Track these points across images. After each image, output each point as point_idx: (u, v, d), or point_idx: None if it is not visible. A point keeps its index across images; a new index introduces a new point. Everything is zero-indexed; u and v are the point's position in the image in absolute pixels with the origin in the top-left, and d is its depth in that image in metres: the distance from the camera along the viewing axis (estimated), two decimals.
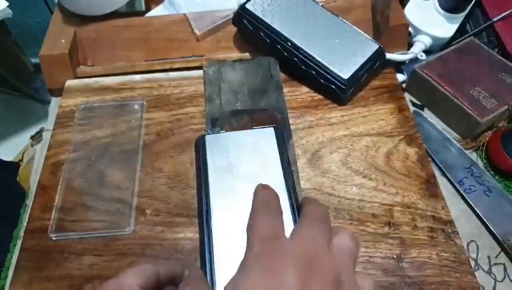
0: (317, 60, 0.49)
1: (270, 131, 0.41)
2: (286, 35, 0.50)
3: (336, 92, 0.49)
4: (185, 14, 0.55)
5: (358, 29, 0.53)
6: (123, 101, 0.50)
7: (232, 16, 0.54)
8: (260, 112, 0.48)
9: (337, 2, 0.55)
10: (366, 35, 0.53)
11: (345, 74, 0.48)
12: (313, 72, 0.49)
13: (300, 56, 0.49)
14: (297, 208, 0.37)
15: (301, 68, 0.50)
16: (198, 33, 0.54)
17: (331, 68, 0.48)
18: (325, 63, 0.49)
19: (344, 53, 0.50)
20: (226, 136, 0.42)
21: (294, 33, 0.50)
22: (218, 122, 0.47)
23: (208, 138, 0.41)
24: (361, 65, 0.49)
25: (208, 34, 0.55)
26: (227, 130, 0.44)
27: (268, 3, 0.52)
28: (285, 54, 0.50)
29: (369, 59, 0.50)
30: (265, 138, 0.41)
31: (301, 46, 0.49)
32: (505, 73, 0.51)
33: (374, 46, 0.51)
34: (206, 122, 0.48)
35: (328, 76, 0.48)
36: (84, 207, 0.42)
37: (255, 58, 0.53)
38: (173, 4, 0.59)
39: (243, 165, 0.39)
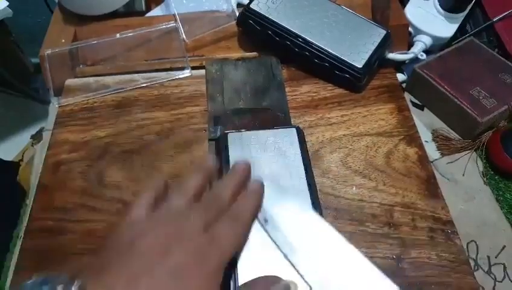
0: (329, 52, 0.49)
1: (292, 131, 0.42)
2: (295, 31, 0.50)
3: (352, 81, 0.49)
4: (176, 19, 0.55)
5: (363, 17, 0.53)
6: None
7: (222, 20, 0.54)
8: (262, 111, 0.48)
9: (337, 2, 0.55)
10: (372, 21, 0.53)
11: (359, 63, 0.49)
12: (327, 65, 0.50)
13: (312, 50, 0.50)
14: (317, 207, 0.38)
15: (314, 62, 0.50)
16: (187, 41, 0.54)
17: (345, 59, 0.49)
18: (337, 54, 0.49)
19: (354, 42, 0.50)
20: (248, 135, 0.42)
21: (303, 28, 0.50)
22: (221, 121, 0.47)
23: (230, 136, 0.42)
24: (373, 52, 0.50)
25: (198, 40, 0.55)
26: (229, 129, 0.44)
27: (272, 1, 0.52)
28: (296, 49, 0.50)
29: (380, 45, 0.51)
30: (287, 137, 0.41)
31: (311, 40, 0.50)
32: (505, 73, 0.51)
33: (382, 32, 0.52)
34: (208, 120, 0.48)
35: (343, 67, 0.49)
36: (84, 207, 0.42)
37: (258, 57, 0.53)
38: (169, 6, 0.59)
39: (265, 164, 0.39)
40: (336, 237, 0.30)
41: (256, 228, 0.32)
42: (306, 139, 0.46)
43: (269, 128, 0.43)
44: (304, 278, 0.29)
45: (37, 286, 0.23)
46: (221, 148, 0.42)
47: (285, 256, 0.30)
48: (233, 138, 0.42)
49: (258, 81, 0.51)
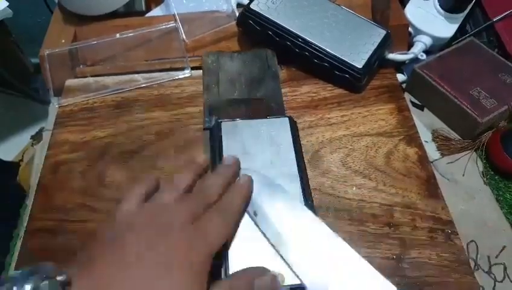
0: (329, 53, 0.49)
1: (285, 121, 0.42)
2: (295, 31, 0.50)
3: (352, 81, 0.49)
4: (175, 19, 0.55)
5: (363, 17, 0.53)
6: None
7: (222, 20, 0.54)
8: (256, 102, 0.48)
9: (337, 2, 0.55)
10: (372, 22, 0.53)
11: (359, 63, 0.49)
12: (327, 65, 0.50)
13: (312, 50, 0.50)
14: (307, 193, 0.38)
15: (314, 62, 0.50)
16: (187, 41, 0.54)
17: (345, 59, 0.49)
18: (337, 55, 0.49)
19: (354, 42, 0.50)
20: (241, 124, 0.42)
21: (303, 28, 0.50)
22: (216, 111, 0.47)
23: (224, 124, 0.42)
24: (373, 52, 0.50)
25: (198, 41, 0.55)
26: (224, 119, 0.44)
27: (272, 1, 0.52)
28: (296, 49, 0.50)
29: (379, 46, 0.51)
30: (280, 127, 0.42)
31: (311, 41, 0.50)
32: (505, 73, 0.51)
33: (382, 32, 0.52)
34: (204, 110, 0.48)
35: (343, 67, 0.49)
36: (84, 207, 0.42)
37: (253, 49, 0.53)
38: (169, 6, 0.59)
39: (257, 152, 0.39)
40: (324, 229, 0.31)
41: (246, 220, 0.32)
42: (306, 140, 0.46)
43: (262, 118, 0.43)
44: (292, 269, 0.30)
45: (25, 277, 0.23)
46: (215, 137, 0.42)
47: (275, 247, 0.31)
48: (226, 126, 0.42)
49: (253, 72, 0.51)
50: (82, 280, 0.23)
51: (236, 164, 0.35)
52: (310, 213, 0.33)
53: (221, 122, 0.43)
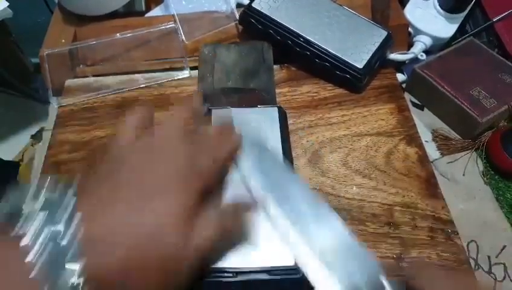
0: (330, 52, 0.49)
1: (274, 110, 0.42)
2: (296, 30, 0.50)
3: (353, 81, 0.49)
4: (175, 20, 0.55)
5: (364, 18, 0.53)
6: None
7: (221, 21, 0.55)
8: (249, 92, 0.48)
9: (337, 2, 0.55)
10: (373, 22, 0.53)
11: (360, 64, 0.49)
12: (327, 64, 0.50)
13: (313, 50, 0.50)
14: None
15: (314, 61, 0.50)
16: (186, 42, 0.54)
17: (345, 59, 0.49)
18: (338, 55, 0.49)
19: (355, 42, 0.50)
20: (231, 112, 0.43)
21: (304, 28, 0.50)
22: (209, 99, 0.48)
23: (214, 111, 0.42)
24: (374, 53, 0.50)
25: (198, 41, 0.55)
26: (216, 106, 0.44)
27: (274, 0, 0.52)
28: (298, 49, 0.50)
29: (380, 46, 0.51)
30: (269, 116, 0.42)
31: (313, 40, 0.50)
32: (505, 73, 0.51)
33: (383, 33, 0.52)
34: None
35: (343, 67, 0.49)
36: None
37: (250, 41, 0.53)
38: (168, 7, 0.59)
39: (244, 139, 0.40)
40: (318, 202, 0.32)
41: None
42: (306, 139, 0.46)
43: (252, 107, 0.44)
44: (282, 240, 0.29)
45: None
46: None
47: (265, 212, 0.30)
48: (216, 113, 0.43)
49: (248, 63, 0.51)
50: (80, 205, 0.24)
51: (231, 125, 0.35)
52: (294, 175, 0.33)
53: (211, 109, 0.43)
